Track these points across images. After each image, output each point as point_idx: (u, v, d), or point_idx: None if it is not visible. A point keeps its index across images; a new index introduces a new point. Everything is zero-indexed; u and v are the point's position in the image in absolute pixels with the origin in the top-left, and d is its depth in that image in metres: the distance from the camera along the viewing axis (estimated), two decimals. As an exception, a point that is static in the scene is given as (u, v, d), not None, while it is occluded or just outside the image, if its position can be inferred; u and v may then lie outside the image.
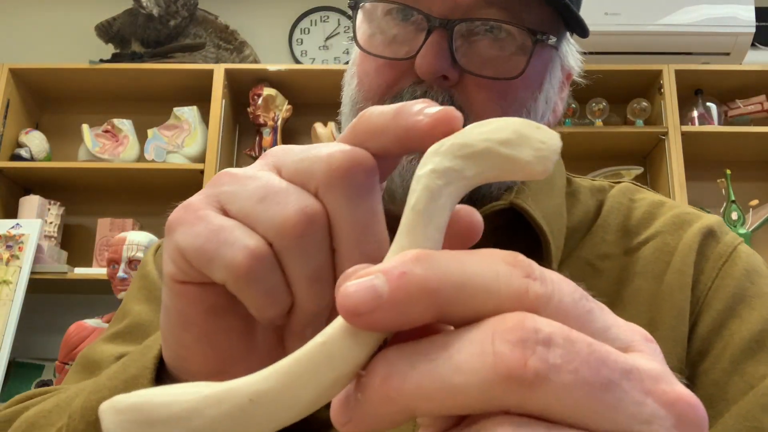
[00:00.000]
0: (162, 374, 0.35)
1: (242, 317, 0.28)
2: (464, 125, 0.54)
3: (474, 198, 0.53)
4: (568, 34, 0.57)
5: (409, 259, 0.18)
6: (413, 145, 0.23)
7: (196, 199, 0.27)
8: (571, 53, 0.59)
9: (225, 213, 0.26)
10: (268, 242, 0.26)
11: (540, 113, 0.55)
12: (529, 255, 0.19)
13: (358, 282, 0.18)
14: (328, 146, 0.25)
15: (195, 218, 0.26)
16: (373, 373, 0.19)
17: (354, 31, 0.56)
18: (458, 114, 0.23)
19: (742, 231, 2.12)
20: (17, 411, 0.45)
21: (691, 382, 0.51)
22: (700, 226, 0.55)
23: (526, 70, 0.51)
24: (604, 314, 0.20)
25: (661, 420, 0.18)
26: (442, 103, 0.50)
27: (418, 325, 0.19)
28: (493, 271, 0.19)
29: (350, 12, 0.56)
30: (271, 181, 0.26)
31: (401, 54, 0.52)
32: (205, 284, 0.27)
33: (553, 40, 0.53)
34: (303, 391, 0.18)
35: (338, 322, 0.19)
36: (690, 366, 0.51)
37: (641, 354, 0.19)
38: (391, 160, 0.27)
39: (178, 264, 0.27)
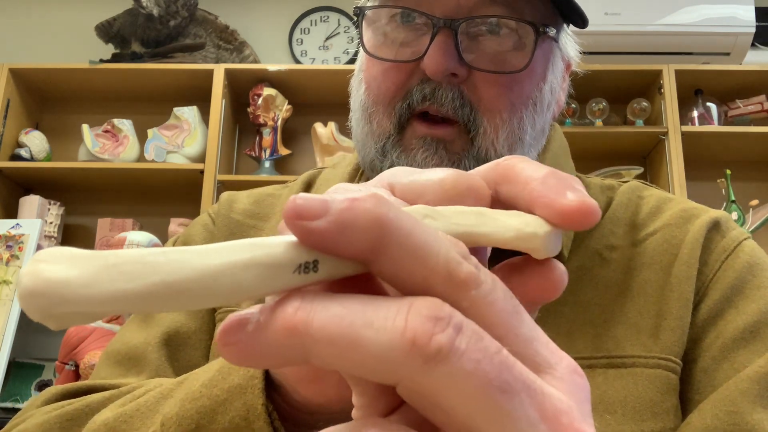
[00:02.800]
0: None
1: None
2: (474, 119, 0.55)
3: None
4: (565, 25, 0.59)
5: (372, 193, 0.18)
6: (538, 212, 0.22)
7: None
8: (570, 44, 0.61)
9: None
10: None
11: (546, 103, 0.56)
12: None
13: (314, 196, 0.18)
14: (444, 170, 0.24)
15: None
16: (285, 300, 0.18)
17: (360, 38, 0.57)
18: (597, 213, 0.21)
19: (742, 231, 2.12)
20: (81, 410, 0.45)
21: (684, 371, 0.52)
22: (707, 218, 0.56)
23: (531, 63, 0.53)
24: (535, 329, 0.20)
25: None
26: (452, 99, 0.51)
27: (349, 255, 0.19)
28: (437, 237, 0.19)
29: (351, 12, 0.58)
30: None
31: (408, 56, 0.53)
32: None
33: (553, 31, 0.54)
34: (211, 258, 0.18)
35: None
36: (684, 354, 0.52)
37: (557, 382, 0.19)
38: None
39: None
